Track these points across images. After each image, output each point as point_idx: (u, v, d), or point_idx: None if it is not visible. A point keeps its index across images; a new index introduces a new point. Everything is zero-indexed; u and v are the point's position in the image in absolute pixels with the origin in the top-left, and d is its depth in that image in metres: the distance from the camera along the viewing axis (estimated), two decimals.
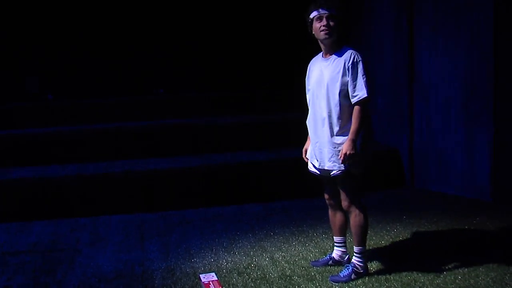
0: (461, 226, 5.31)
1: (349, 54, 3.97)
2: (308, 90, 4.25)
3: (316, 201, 6.01)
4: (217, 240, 5.13)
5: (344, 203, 4.11)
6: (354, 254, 4.16)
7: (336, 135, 4.00)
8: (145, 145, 7.10)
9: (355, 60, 3.95)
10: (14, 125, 7.42)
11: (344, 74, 3.95)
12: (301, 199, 6.31)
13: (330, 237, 4.93)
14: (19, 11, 8.20)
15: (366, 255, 4.19)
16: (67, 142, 6.99)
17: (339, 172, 4.01)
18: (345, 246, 4.41)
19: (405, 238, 5.03)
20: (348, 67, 3.95)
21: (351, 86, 3.95)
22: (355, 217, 4.08)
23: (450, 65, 6.46)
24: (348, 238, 4.44)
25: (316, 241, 5.02)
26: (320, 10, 3.98)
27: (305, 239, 5.08)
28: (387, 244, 4.89)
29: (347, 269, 4.14)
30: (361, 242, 4.12)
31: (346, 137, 3.96)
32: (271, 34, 8.59)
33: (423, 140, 6.82)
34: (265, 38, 8.64)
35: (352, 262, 4.16)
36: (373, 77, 7.32)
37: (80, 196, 6.15)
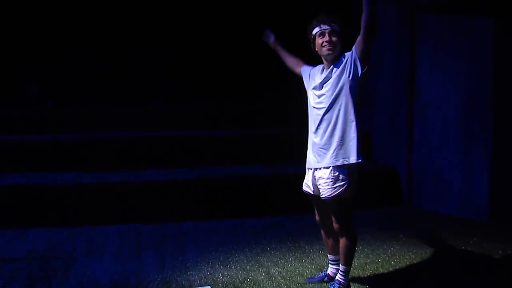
0: (458, 246, 5.31)
1: (345, 55, 3.95)
2: (309, 98, 4.18)
3: (313, 217, 5.96)
4: (213, 253, 5.12)
5: (336, 226, 4.09)
6: (340, 272, 4.16)
7: (332, 160, 3.96)
8: (144, 156, 7.08)
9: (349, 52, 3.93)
10: (13, 131, 7.40)
11: (346, 71, 3.91)
12: (298, 215, 6.28)
13: (327, 254, 4.92)
14: (20, 18, 8.22)
15: (349, 274, 4.21)
16: (66, 150, 6.97)
17: (330, 197, 3.99)
18: (339, 264, 4.39)
19: (402, 256, 5.03)
20: (348, 58, 3.92)
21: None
22: (345, 239, 4.08)
23: (449, 84, 6.50)
24: None
25: (312, 257, 5.02)
26: (322, 25, 3.98)
27: (302, 255, 5.08)
28: (384, 262, 4.88)
29: (333, 287, 4.14)
30: (348, 262, 4.14)
31: (345, 164, 3.94)
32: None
33: (421, 159, 6.83)
34: (266, 51, 8.63)
35: (337, 279, 4.16)
36: (373, 95, 7.44)
37: (77, 204, 6.13)
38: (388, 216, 6.47)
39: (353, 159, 3.92)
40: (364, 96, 4.08)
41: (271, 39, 4.62)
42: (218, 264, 4.83)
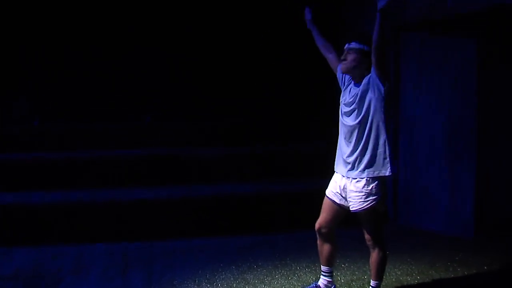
0: (444, 262, 5.35)
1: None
2: (341, 109, 4.23)
3: (300, 235, 6.03)
4: (200, 271, 5.12)
5: (367, 238, 4.14)
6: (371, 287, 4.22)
7: (365, 173, 4.05)
8: (131, 174, 7.08)
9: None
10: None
11: (371, 89, 3.99)
12: (285, 233, 6.31)
13: (313, 271, 4.96)
14: (8, 34, 8.17)
15: None
16: (52, 168, 6.95)
17: (362, 209, 4.05)
18: (331, 276, 4.42)
19: (387, 273, 5.02)
20: (371, 76, 3.99)
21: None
22: (377, 254, 4.14)
23: (434, 103, 6.57)
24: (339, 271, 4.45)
25: (299, 274, 5.03)
26: (346, 44, 4.11)
27: (288, 272, 5.09)
28: (369, 279, 4.89)
29: None
30: (379, 276, 4.20)
31: (378, 176, 4.02)
32: (269, 64, 8.53)
33: (407, 177, 6.88)
34: (262, 68, 8.58)
35: None
36: None
37: (63, 223, 6.11)
38: None
39: (384, 172, 4.02)
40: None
41: (309, 17, 4.51)
42: (204, 282, 4.83)
